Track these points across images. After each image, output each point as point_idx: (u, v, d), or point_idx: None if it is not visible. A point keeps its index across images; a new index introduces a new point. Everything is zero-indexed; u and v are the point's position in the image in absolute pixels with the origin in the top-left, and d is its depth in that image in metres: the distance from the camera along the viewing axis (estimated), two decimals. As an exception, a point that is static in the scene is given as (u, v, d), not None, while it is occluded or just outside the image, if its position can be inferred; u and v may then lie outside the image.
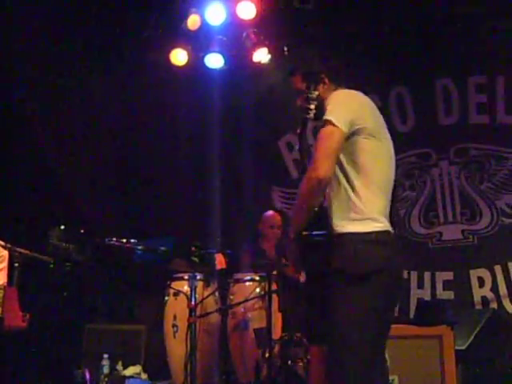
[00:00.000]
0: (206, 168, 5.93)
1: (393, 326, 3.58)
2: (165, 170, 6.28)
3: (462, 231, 5.59)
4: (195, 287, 3.28)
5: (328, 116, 2.50)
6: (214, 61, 5.77)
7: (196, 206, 6.02)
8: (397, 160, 6.09)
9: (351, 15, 5.82)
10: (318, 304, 2.57)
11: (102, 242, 3.18)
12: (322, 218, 2.56)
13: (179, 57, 5.85)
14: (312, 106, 2.57)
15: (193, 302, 3.25)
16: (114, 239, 3.21)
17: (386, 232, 2.56)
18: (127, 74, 6.00)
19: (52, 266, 5.63)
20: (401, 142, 5.93)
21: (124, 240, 3.22)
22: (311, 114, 2.60)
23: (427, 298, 5.55)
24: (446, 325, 3.28)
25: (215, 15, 5.57)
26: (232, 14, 5.56)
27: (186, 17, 5.62)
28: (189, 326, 3.19)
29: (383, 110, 5.83)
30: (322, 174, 2.44)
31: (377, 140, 2.61)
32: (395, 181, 2.73)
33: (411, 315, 5.44)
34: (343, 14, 5.83)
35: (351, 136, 2.52)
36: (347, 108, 2.56)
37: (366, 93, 6.38)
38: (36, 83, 5.64)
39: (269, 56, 5.66)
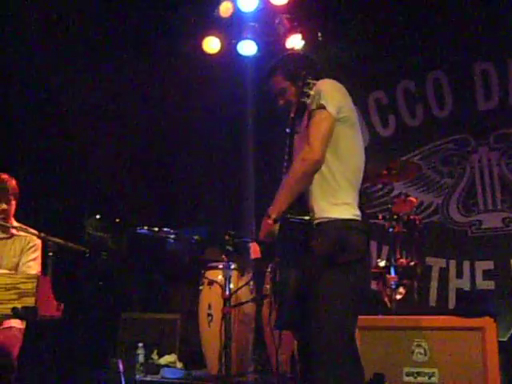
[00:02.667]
0: (241, 156, 5.89)
1: (432, 317, 3.51)
2: (199, 158, 6.26)
3: (503, 219, 5.45)
4: (229, 277, 3.22)
5: (321, 101, 2.60)
6: (247, 48, 5.73)
7: (232, 194, 5.98)
8: (434, 146, 6.03)
9: (387, -1, 5.70)
10: (292, 289, 2.58)
11: (134, 231, 3.16)
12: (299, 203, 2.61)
13: (212, 44, 5.83)
14: (308, 100, 2.64)
15: (227, 292, 3.18)
16: (146, 228, 3.18)
17: (361, 221, 2.66)
18: (160, 62, 5.98)
19: (88, 255, 5.69)
20: (438, 128, 5.88)
21: (156, 229, 3.19)
22: (308, 101, 2.65)
23: (466, 288, 5.43)
24: (489, 316, 3.17)
25: (247, 2, 5.54)
26: (264, 0, 5.51)
27: (218, 4, 5.59)
28: (223, 316, 3.14)
29: (420, 94, 5.85)
30: (318, 155, 2.56)
31: (355, 131, 2.74)
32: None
33: (450, 305, 5.34)
34: (378, -2, 5.71)
35: (336, 123, 2.63)
36: (336, 96, 2.68)
37: (401, 78, 6.24)
38: (70, 73, 5.65)
39: (302, 42, 5.57)
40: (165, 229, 3.23)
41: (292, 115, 2.71)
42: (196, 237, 3.14)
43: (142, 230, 3.18)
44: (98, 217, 6.01)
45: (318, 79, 2.72)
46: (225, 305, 3.18)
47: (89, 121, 5.95)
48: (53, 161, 5.78)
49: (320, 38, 5.70)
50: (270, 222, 2.61)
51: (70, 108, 5.85)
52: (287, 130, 2.73)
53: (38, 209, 5.27)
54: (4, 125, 5.41)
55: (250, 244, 3.28)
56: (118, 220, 6.11)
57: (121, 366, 3.82)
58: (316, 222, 2.60)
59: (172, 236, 3.18)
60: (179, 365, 4.82)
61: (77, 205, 5.85)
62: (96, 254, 5.82)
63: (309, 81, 2.62)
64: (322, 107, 2.59)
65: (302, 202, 2.62)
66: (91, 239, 5.91)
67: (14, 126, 5.45)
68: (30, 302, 2.43)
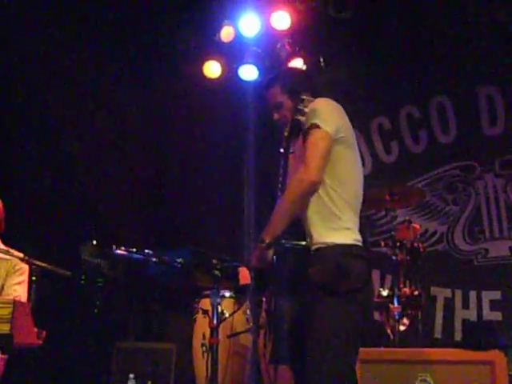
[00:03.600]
0: (240, 181, 5.80)
1: (438, 349, 3.34)
2: (197, 183, 6.16)
3: (510, 247, 5.31)
4: (217, 304, 3.05)
5: (316, 120, 2.47)
6: (248, 72, 5.68)
7: (229, 217, 5.87)
8: (439, 173, 5.92)
9: (389, 24, 5.66)
10: (288, 320, 2.46)
11: (111, 252, 3.01)
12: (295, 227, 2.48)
13: (213, 69, 5.80)
14: (303, 118, 2.52)
15: (214, 321, 3.00)
16: (123, 249, 3.02)
17: (362, 246, 2.51)
18: (161, 86, 5.93)
19: (83, 281, 5.55)
20: (443, 154, 5.77)
21: (134, 250, 3.04)
22: (302, 119, 2.53)
23: (473, 318, 5.28)
24: (499, 349, 3.00)
25: (249, 26, 5.52)
26: (266, 25, 5.50)
27: (219, 29, 5.57)
28: (210, 347, 2.96)
29: (423, 120, 5.77)
30: (315, 176, 2.43)
31: (354, 152, 2.61)
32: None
33: (456, 337, 5.18)
34: (381, 23, 5.67)
35: (333, 144, 2.50)
36: (333, 115, 2.56)
37: (404, 103, 6.14)
38: (68, 95, 5.60)
39: (304, 67, 5.52)
40: (145, 250, 3.06)
41: (286, 134, 2.59)
42: (180, 260, 2.98)
43: (118, 251, 3.02)
44: (94, 243, 5.88)
45: (315, 97, 2.61)
46: (211, 335, 3.00)
47: (84, 144, 5.88)
48: (49, 187, 5.68)
49: (322, 63, 5.64)
50: (263, 246, 2.45)
51: (66, 132, 5.78)
52: (281, 150, 2.62)
53: (34, 235, 5.16)
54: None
55: (240, 269, 3.13)
56: (114, 246, 5.95)
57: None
58: (314, 247, 2.46)
59: (153, 259, 3.01)
60: (173, 397, 4.64)
61: (73, 230, 5.73)
62: (91, 281, 5.69)
63: (304, 97, 2.51)
64: (318, 127, 2.46)
65: (298, 227, 2.49)
66: (87, 265, 5.78)
67: (8, 147, 5.36)
68: (4, 328, 2.29)
